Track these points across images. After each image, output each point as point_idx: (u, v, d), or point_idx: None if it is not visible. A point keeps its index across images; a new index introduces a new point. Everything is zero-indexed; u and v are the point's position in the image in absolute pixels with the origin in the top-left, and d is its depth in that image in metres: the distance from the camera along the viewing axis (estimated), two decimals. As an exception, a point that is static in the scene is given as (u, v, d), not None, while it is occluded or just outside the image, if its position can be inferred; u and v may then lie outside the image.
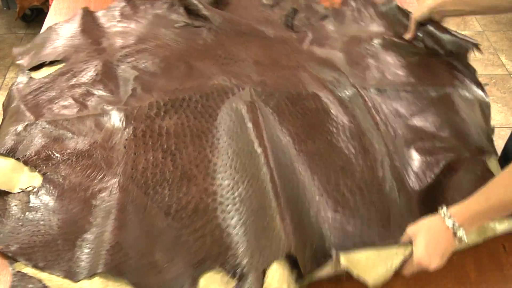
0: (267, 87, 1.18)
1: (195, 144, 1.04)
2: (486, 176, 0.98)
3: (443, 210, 0.83)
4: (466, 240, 0.82)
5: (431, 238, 0.82)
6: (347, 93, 1.16)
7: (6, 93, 1.22)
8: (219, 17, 1.38)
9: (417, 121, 1.13)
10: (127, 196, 0.93)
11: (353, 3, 1.52)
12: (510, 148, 1.15)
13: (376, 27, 1.43)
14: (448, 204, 0.84)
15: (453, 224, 0.81)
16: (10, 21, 3.02)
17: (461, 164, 1.03)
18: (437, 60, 1.30)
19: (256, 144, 1.00)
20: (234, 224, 0.90)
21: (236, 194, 0.95)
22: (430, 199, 0.97)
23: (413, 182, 1.00)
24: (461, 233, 0.81)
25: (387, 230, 0.92)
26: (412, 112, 1.15)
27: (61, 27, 1.40)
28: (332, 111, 1.12)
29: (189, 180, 0.97)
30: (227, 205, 0.93)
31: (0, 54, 2.78)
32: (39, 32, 1.42)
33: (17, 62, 1.33)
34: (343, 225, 0.92)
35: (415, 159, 1.05)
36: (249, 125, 1.04)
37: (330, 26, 1.43)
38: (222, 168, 0.99)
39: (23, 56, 1.34)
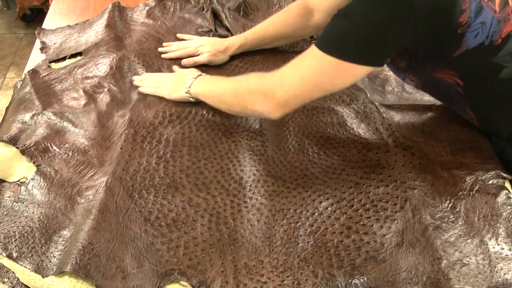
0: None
1: (191, 154, 1.04)
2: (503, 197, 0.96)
3: (193, 72, 1.16)
4: (186, 90, 1.11)
5: (176, 79, 1.17)
6: (365, 108, 1.14)
7: (6, 93, 1.26)
8: (239, 27, 1.38)
9: (437, 138, 1.09)
10: (111, 197, 0.93)
11: None
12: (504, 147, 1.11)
13: None
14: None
15: (189, 80, 1.11)
16: (10, 21, 3.07)
17: (479, 184, 0.99)
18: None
19: (264, 160, 1.02)
20: (211, 241, 0.88)
21: (220, 210, 0.93)
22: (444, 220, 0.92)
23: (428, 201, 0.95)
24: (187, 85, 1.11)
25: (400, 248, 0.88)
26: (432, 128, 1.11)
27: (91, 22, 1.44)
28: (348, 125, 1.11)
29: (176, 189, 0.97)
30: (209, 221, 0.92)
31: (0, 54, 2.83)
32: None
33: (39, 39, 1.38)
34: (355, 242, 0.89)
35: (432, 177, 1.00)
36: (258, 140, 1.06)
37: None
38: (212, 184, 0.98)
39: (47, 36, 1.38)
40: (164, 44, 1.32)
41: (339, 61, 0.87)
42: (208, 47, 1.27)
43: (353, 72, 0.90)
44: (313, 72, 0.90)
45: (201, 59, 1.26)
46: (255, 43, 1.28)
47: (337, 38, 0.88)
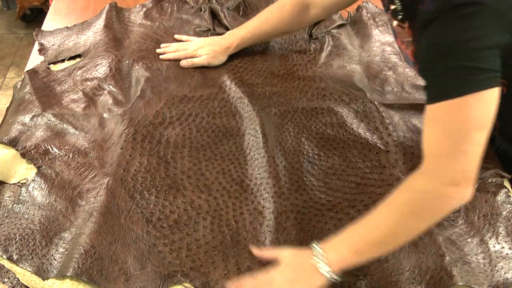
0: (281, 99, 1.18)
1: (192, 156, 1.03)
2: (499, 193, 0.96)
3: (314, 244, 0.81)
4: (332, 277, 0.78)
5: (289, 260, 0.81)
6: (364, 108, 1.14)
7: (6, 93, 1.25)
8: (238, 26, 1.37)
9: None
10: (113, 199, 0.93)
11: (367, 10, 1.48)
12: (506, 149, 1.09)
13: (392, 33, 1.39)
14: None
15: (318, 261, 0.78)
16: (10, 21, 3.05)
17: (479, 182, 0.99)
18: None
19: (265, 161, 1.01)
20: (213, 243, 0.88)
21: (222, 212, 0.93)
22: (446, 219, 0.92)
23: None
24: (322, 263, 0.78)
25: (402, 247, 0.88)
26: None
27: (88, 23, 1.43)
28: (347, 125, 1.11)
29: (177, 190, 0.96)
30: (211, 222, 0.91)
31: (0, 54, 2.81)
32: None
33: (37, 40, 1.36)
34: None
35: None
36: (259, 141, 1.05)
37: (347, 35, 1.40)
38: (214, 186, 0.98)
39: (45, 38, 1.37)
40: (162, 45, 1.30)
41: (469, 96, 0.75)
42: (206, 49, 1.25)
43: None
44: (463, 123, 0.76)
45: (200, 61, 1.25)
46: (250, 42, 1.27)
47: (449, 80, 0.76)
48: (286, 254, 0.82)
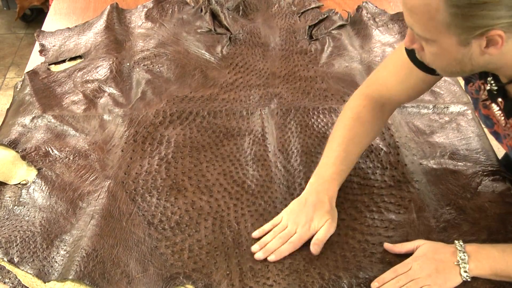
0: (283, 99, 1.18)
1: (193, 156, 1.03)
2: (505, 196, 0.96)
3: (459, 242, 0.83)
4: (466, 275, 0.80)
5: (430, 255, 0.82)
6: None
7: (6, 93, 1.25)
8: (238, 27, 1.37)
9: (438, 138, 1.09)
10: (114, 202, 0.92)
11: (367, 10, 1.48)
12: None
13: (392, 34, 1.40)
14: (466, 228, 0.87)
15: (460, 252, 0.81)
16: (10, 21, 3.04)
17: (483, 183, 0.99)
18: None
19: (267, 164, 1.01)
20: (215, 244, 0.88)
21: (223, 213, 0.93)
22: (450, 222, 0.92)
23: (432, 202, 0.95)
24: (465, 263, 0.80)
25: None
26: (433, 129, 1.11)
27: (89, 24, 1.43)
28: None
29: (178, 191, 0.96)
30: (213, 223, 0.91)
31: (0, 54, 2.80)
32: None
33: (38, 41, 1.36)
34: (360, 243, 0.88)
35: (435, 177, 1.00)
36: (261, 142, 1.05)
37: (347, 35, 1.40)
38: (215, 187, 0.97)
39: (46, 39, 1.37)
40: (254, 234, 0.90)
41: None
42: (317, 217, 0.89)
43: None
44: None
45: (327, 231, 0.88)
46: (345, 173, 0.96)
47: None
48: (426, 248, 0.84)
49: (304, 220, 0.88)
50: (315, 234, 0.87)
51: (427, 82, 0.93)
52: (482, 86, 0.84)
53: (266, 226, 0.90)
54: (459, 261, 0.81)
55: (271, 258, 0.85)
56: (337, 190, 0.93)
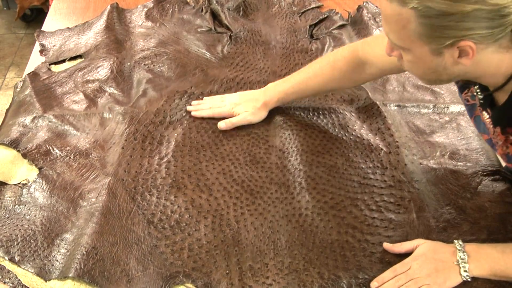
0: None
1: (193, 155, 1.03)
2: (505, 196, 0.96)
3: (459, 242, 0.83)
4: (467, 278, 0.80)
5: (430, 254, 0.82)
6: (367, 108, 1.14)
7: (6, 93, 1.25)
8: (239, 26, 1.37)
9: (438, 138, 1.09)
10: (114, 199, 0.92)
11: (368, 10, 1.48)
12: None
13: None
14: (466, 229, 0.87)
15: (460, 252, 0.81)
16: (10, 21, 3.04)
17: (482, 183, 0.99)
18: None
19: (267, 165, 1.01)
20: (215, 243, 0.88)
21: (223, 212, 0.93)
22: (450, 222, 0.92)
23: (432, 202, 0.95)
24: (465, 263, 0.80)
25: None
26: (433, 128, 1.12)
27: (90, 23, 1.43)
28: (349, 126, 1.11)
29: (178, 189, 0.96)
30: (212, 222, 0.91)
31: (0, 54, 2.80)
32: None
33: (39, 41, 1.36)
34: (360, 242, 0.88)
35: (435, 177, 1.00)
36: (260, 142, 1.06)
37: (348, 35, 1.40)
38: (215, 186, 0.97)
39: (46, 39, 1.37)
40: (193, 102, 1.15)
41: None
42: (245, 105, 1.10)
43: None
44: None
45: (240, 120, 1.09)
46: (294, 97, 1.12)
47: None
48: (426, 248, 0.84)
49: (234, 101, 1.12)
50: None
51: None
52: (474, 93, 0.85)
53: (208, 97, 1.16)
54: (459, 261, 0.81)
55: (194, 113, 1.12)
56: (276, 103, 1.11)
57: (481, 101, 0.83)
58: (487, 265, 0.81)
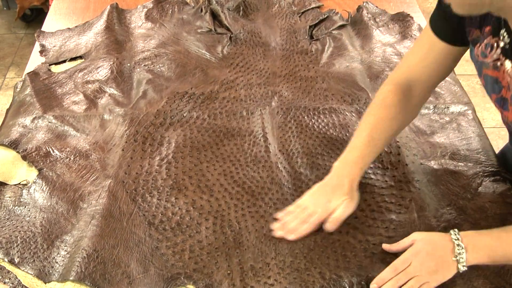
0: (283, 99, 1.18)
1: (193, 156, 1.03)
2: (506, 197, 0.96)
3: (456, 234, 0.82)
4: (463, 268, 0.80)
5: (429, 250, 0.82)
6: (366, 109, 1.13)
7: (6, 93, 1.25)
8: (239, 27, 1.37)
9: (439, 138, 1.09)
10: (114, 202, 0.92)
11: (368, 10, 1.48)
12: (507, 150, 1.09)
13: (393, 34, 1.40)
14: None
15: (458, 247, 0.80)
16: (10, 21, 3.03)
17: (483, 184, 0.99)
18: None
19: (267, 166, 1.01)
20: (216, 244, 0.88)
21: (224, 213, 0.92)
22: (450, 222, 0.93)
23: (433, 202, 0.95)
24: (463, 257, 0.79)
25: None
26: (434, 129, 1.11)
27: (90, 24, 1.43)
28: (350, 127, 1.11)
29: (179, 190, 0.96)
30: (214, 223, 0.91)
31: (0, 54, 2.79)
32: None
33: (39, 41, 1.36)
34: (361, 243, 0.88)
35: (436, 177, 1.00)
36: (261, 143, 1.05)
37: (348, 35, 1.40)
38: (215, 187, 0.97)
39: (46, 39, 1.37)
40: (274, 227, 0.92)
41: None
42: (335, 198, 0.92)
43: None
44: None
45: (344, 211, 0.91)
46: (370, 158, 0.96)
47: None
48: (424, 242, 0.83)
49: (323, 201, 0.91)
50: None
51: (451, 56, 0.90)
52: (495, 44, 0.80)
53: (290, 208, 0.93)
54: (457, 257, 0.80)
55: (291, 237, 0.89)
56: (360, 174, 0.94)
57: (507, 47, 0.77)
58: (485, 254, 0.80)
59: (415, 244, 0.83)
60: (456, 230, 0.83)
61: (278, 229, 0.90)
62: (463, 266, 0.80)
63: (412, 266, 0.81)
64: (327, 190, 0.93)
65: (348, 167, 0.94)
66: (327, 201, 0.91)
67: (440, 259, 0.81)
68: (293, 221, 0.91)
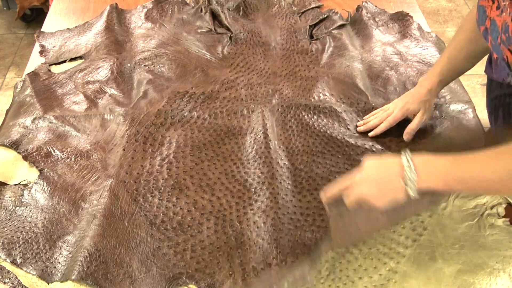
0: (284, 96, 1.18)
1: (194, 155, 1.03)
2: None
3: (405, 152, 0.76)
4: (413, 194, 0.74)
5: (375, 175, 0.78)
6: (367, 112, 1.14)
7: (6, 93, 1.25)
8: (239, 27, 1.37)
9: (439, 136, 1.09)
10: (116, 201, 0.92)
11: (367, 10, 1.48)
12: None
13: (393, 33, 1.40)
14: None
15: (408, 169, 0.74)
16: (10, 21, 3.02)
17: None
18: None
19: (268, 163, 1.00)
20: (218, 244, 0.88)
21: (226, 212, 0.93)
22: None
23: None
24: (412, 182, 0.73)
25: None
26: (434, 127, 1.12)
27: (89, 24, 1.42)
28: (350, 126, 1.11)
29: (180, 190, 0.96)
30: (215, 223, 0.91)
31: (0, 54, 2.79)
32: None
33: (38, 42, 1.36)
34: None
35: None
36: (262, 141, 1.05)
37: (348, 35, 1.40)
38: (217, 186, 0.97)
39: (46, 40, 1.37)
40: (359, 123, 1.11)
41: None
42: (413, 103, 1.07)
43: None
44: None
45: (419, 121, 1.07)
46: (451, 74, 1.08)
47: None
48: (370, 167, 0.80)
49: (401, 104, 1.08)
50: (409, 118, 1.08)
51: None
52: None
53: (376, 110, 1.12)
54: (406, 180, 0.74)
55: (371, 134, 1.08)
56: (439, 85, 1.08)
57: None
58: (439, 179, 0.73)
59: (363, 170, 0.80)
60: (407, 150, 0.76)
61: (361, 126, 1.10)
62: (413, 191, 0.74)
63: (358, 188, 0.79)
64: (407, 95, 1.10)
65: (428, 78, 1.08)
66: (405, 103, 1.08)
67: (386, 185, 0.77)
68: (374, 120, 1.09)
